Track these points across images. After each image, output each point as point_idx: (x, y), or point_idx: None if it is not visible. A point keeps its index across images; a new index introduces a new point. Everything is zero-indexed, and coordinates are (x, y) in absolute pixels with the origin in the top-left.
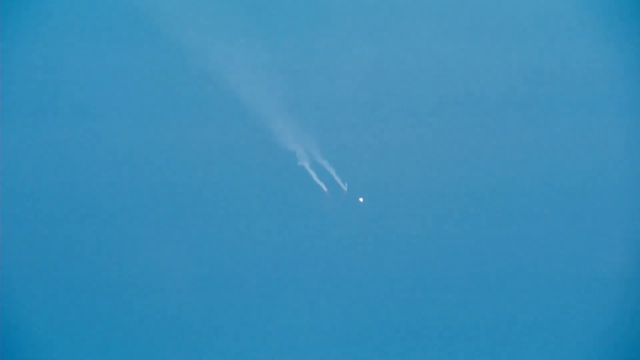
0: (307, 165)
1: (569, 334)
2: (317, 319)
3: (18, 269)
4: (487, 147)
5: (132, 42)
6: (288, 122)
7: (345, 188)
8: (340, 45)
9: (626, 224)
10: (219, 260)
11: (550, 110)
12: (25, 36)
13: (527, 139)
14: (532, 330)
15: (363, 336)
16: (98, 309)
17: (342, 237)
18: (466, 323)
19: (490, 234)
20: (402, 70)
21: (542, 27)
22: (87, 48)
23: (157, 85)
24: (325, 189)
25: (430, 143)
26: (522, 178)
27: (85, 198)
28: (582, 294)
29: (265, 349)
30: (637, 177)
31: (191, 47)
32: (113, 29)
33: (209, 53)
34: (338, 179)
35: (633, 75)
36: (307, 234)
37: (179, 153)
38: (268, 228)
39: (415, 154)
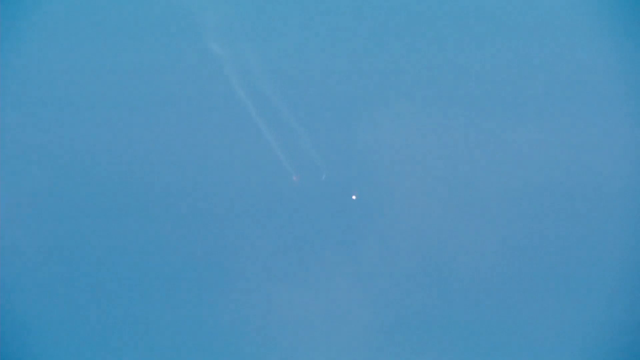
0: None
1: (569, 334)
2: (315, 317)
3: (18, 268)
4: (486, 146)
5: (131, 42)
6: (284, 121)
7: (323, 176)
8: (338, 45)
9: (626, 224)
10: (217, 259)
11: (549, 109)
12: (24, 36)
13: (526, 138)
14: (532, 330)
15: (363, 335)
16: (97, 309)
17: (338, 235)
18: (466, 323)
19: (488, 233)
20: (401, 70)
21: (541, 26)
22: (87, 47)
23: (156, 85)
24: (294, 175)
25: (429, 142)
26: (521, 177)
27: (85, 198)
28: (582, 294)
29: (264, 348)
30: (637, 177)
31: (190, 47)
32: (113, 28)
33: (208, 53)
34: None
35: (633, 75)
36: (302, 232)
37: (177, 152)
38: (263, 226)
39: (414, 152)
